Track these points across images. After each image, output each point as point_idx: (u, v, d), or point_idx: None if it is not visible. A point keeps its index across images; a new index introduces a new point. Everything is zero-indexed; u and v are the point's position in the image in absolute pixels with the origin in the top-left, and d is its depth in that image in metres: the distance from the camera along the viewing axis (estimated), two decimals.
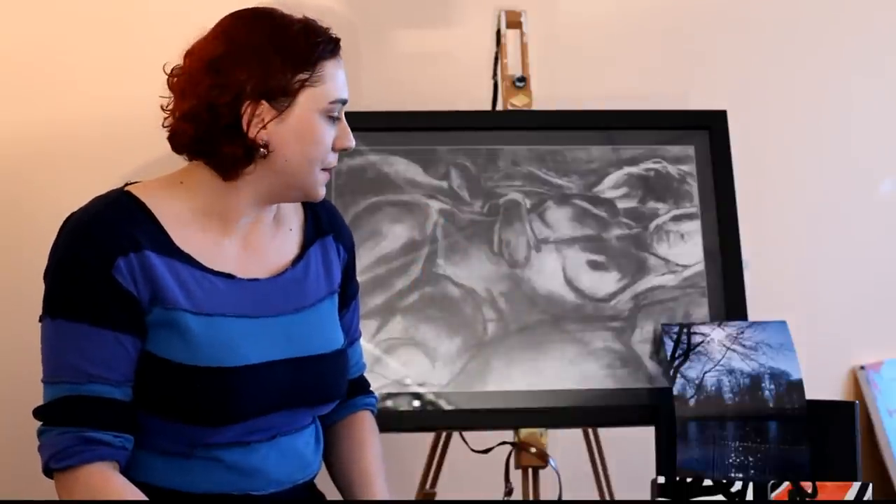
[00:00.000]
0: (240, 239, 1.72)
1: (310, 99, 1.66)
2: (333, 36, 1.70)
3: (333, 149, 1.71)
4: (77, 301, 1.60)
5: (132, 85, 2.63)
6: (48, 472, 1.63)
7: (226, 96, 1.63)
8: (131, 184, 1.71)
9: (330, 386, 1.77)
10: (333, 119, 1.70)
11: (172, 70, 1.69)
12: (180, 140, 1.67)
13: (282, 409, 1.70)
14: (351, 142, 1.72)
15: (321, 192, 1.73)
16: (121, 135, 2.62)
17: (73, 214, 1.66)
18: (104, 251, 1.60)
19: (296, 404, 1.72)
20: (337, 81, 1.69)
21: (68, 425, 1.61)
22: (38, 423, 1.64)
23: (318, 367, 1.74)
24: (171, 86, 1.69)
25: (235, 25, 1.67)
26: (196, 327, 1.63)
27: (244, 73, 1.63)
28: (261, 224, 1.74)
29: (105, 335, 1.60)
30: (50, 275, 1.63)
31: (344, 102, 1.70)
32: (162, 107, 1.70)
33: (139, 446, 1.66)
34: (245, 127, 1.64)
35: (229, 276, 1.69)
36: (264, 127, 1.64)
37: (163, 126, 1.69)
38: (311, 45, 1.66)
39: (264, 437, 1.70)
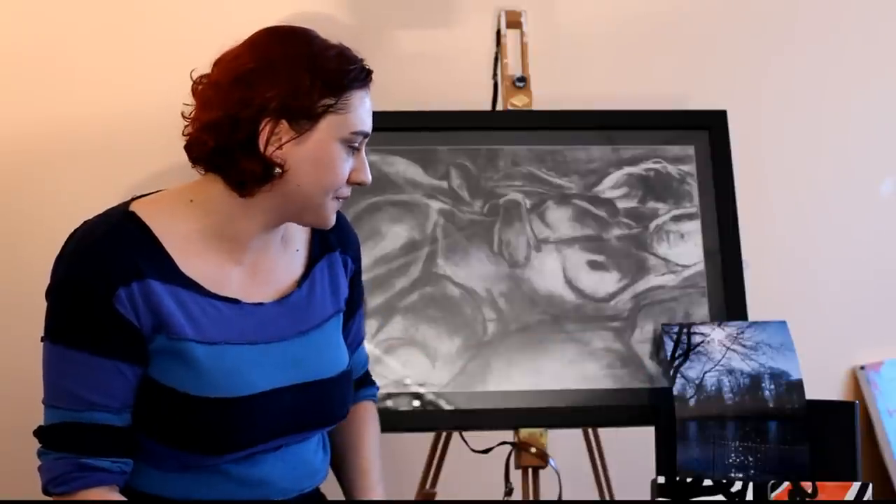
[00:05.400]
0: (247, 265, 1.70)
1: (332, 126, 1.63)
2: (366, 66, 1.68)
3: (349, 181, 1.68)
4: (77, 329, 1.59)
5: (133, 84, 2.63)
6: (47, 493, 1.63)
7: (249, 111, 1.60)
8: (138, 198, 1.68)
9: (334, 409, 1.77)
10: (352, 150, 1.67)
11: (199, 78, 1.66)
12: (198, 151, 1.64)
13: (285, 434, 1.70)
14: (367, 177, 1.70)
15: (331, 221, 1.70)
16: (122, 134, 2.62)
17: (76, 232, 1.64)
18: (105, 280, 1.58)
19: (300, 428, 1.72)
20: (362, 113, 1.66)
21: (66, 451, 1.61)
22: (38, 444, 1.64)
23: (324, 391, 1.73)
24: (195, 94, 1.66)
25: (271, 41, 1.64)
26: (202, 356, 1.62)
27: (271, 89, 1.60)
28: (269, 249, 1.72)
29: (105, 364, 1.59)
30: (51, 297, 1.61)
31: (366, 136, 1.68)
32: (183, 114, 1.67)
33: (140, 459, 1.66)
34: (262, 144, 1.61)
35: (234, 302, 1.67)
36: (280, 147, 1.62)
37: (183, 134, 1.66)
38: (343, 72, 1.63)
39: (270, 448, 1.69)
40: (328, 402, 1.74)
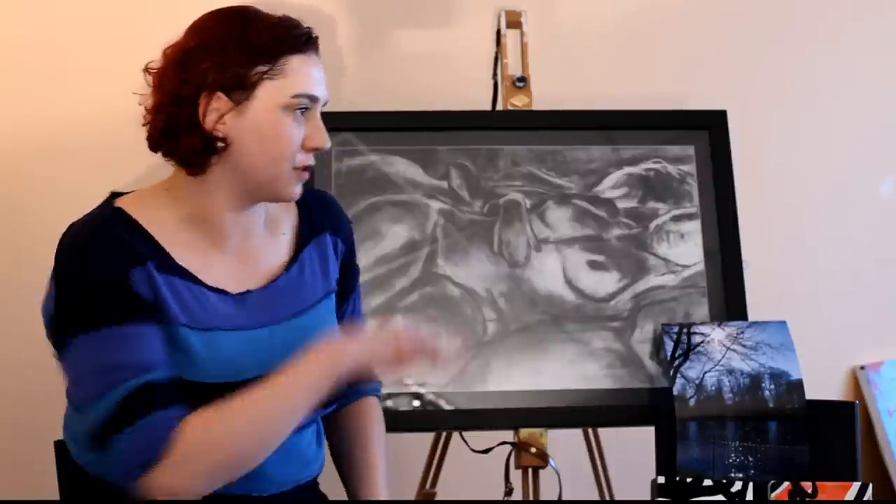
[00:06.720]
0: (232, 252, 1.70)
1: (270, 92, 1.63)
2: (306, 32, 1.67)
3: (305, 148, 1.67)
4: (104, 309, 1.57)
5: (133, 83, 2.63)
6: (139, 475, 1.56)
7: (188, 89, 1.62)
8: (118, 195, 1.70)
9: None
10: (300, 115, 1.66)
11: (148, 67, 1.69)
12: (150, 135, 1.67)
13: None
14: (323, 142, 1.68)
15: (293, 193, 1.70)
16: (122, 132, 2.61)
17: (68, 233, 1.64)
18: (117, 263, 1.58)
19: None
20: (302, 76, 1.65)
21: (140, 417, 1.56)
22: (96, 445, 1.59)
23: None
24: (147, 83, 1.69)
25: (208, 22, 1.67)
26: (196, 343, 1.62)
27: (204, 63, 1.62)
28: (252, 236, 1.73)
29: (141, 330, 1.58)
30: (66, 294, 1.59)
31: (313, 99, 1.66)
32: (140, 103, 1.69)
33: None
34: (201, 119, 1.63)
35: (222, 292, 1.67)
36: (223, 120, 1.63)
37: (143, 125, 1.69)
38: (275, 39, 1.64)
39: None
40: None
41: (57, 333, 1.62)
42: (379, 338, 1.68)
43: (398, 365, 1.67)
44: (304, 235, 1.79)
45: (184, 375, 1.62)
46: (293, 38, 1.65)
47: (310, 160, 1.69)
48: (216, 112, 1.63)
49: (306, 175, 1.70)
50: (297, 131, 1.66)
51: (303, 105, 1.66)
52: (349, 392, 1.85)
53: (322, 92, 1.68)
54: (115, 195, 1.70)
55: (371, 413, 1.90)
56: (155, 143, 1.68)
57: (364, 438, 1.86)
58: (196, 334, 1.63)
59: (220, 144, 1.64)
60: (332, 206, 1.86)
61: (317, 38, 1.69)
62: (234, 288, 1.69)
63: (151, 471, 1.56)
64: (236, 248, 1.71)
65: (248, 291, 1.70)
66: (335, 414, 1.86)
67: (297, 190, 1.70)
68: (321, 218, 1.82)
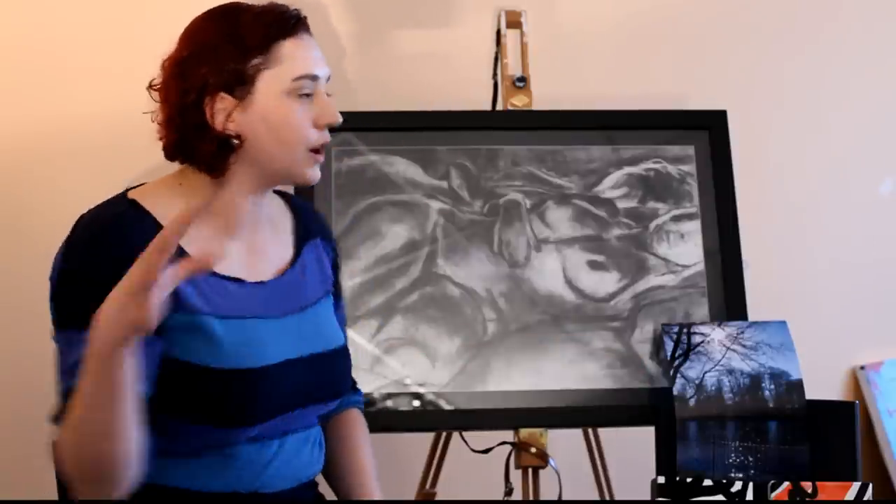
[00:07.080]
0: (244, 242, 1.72)
1: (270, 82, 1.66)
2: (293, 14, 1.69)
3: (318, 127, 1.69)
4: (88, 310, 1.51)
5: (134, 82, 2.62)
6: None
7: (191, 96, 1.65)
8: (132, 188, 1.71)
9: (339, 381, 1.80)
10: (306, 97, 1.68)
11: (152, 83, 1.72)
12: (166, 148, 1.70)
13: (299, 407, 1.71)
14: (334, 117, 1.70)
15: (312, 176, 1.72)
16: (123, 132, 2.62)
17: (82, 221, 1.65)
18: (117, 260, 1.54)
19: (311, 400, 1.73)
20: (298, 59, 1.67)
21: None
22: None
23: (329, 362, 1.76)
24: (153, 98, 1.71)
25: (199, 26, 1.69)
26: (219, 330, 1.63)
27: (202, 68, 1.64)
28: (259, 229, 1.75)
29: None
30: (59, 286, 1.60)
31: (314, 78, 1.68)
32: (153, 120, 1.72)
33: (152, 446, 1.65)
34: (211, 122, 1.65)
35: (238, 280, 1.69)
36: (231, 119, 1.65)
37: (158, 139, 1.71)
38: (262, 28, 1.66)
39: (276, 433, 1.70)
40: (332, 375, 1.77)
41: (53, 315, 1.61)
42: (115, 292, 1.47)
43: (148, 292, 1.42)
44: (301, 237, 1.82)
45: (208, 363, 1.62)
46: (281, 24, 1.67)
47: (325, 137, 1.71)
48: (223, 112, 1.65)
49: (321, 157, 1.72)
50: (304, 114, 1.68)
51: (306, 88, 1.68)
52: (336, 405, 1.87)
53: (322, 70, 1.70)
54: (129, 190, 1.72)
55: (356, 422, 1.92)
56: (171, 155, 1.71)
57: (352, 445, 1.88)
58: (219, 322, 1.64)
59: (234, 142, 1.66)
60: (319, 216, 1.91)
61: (305, 17, 1.70)
62: (247, 277, 1.71)
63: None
64: (246, 238, 1.73)
65: (262, 282, 1.72)
66: (322, 424, 1.87)
67: (315, 173, 1.72)
68: (313, 224, 1.86)
